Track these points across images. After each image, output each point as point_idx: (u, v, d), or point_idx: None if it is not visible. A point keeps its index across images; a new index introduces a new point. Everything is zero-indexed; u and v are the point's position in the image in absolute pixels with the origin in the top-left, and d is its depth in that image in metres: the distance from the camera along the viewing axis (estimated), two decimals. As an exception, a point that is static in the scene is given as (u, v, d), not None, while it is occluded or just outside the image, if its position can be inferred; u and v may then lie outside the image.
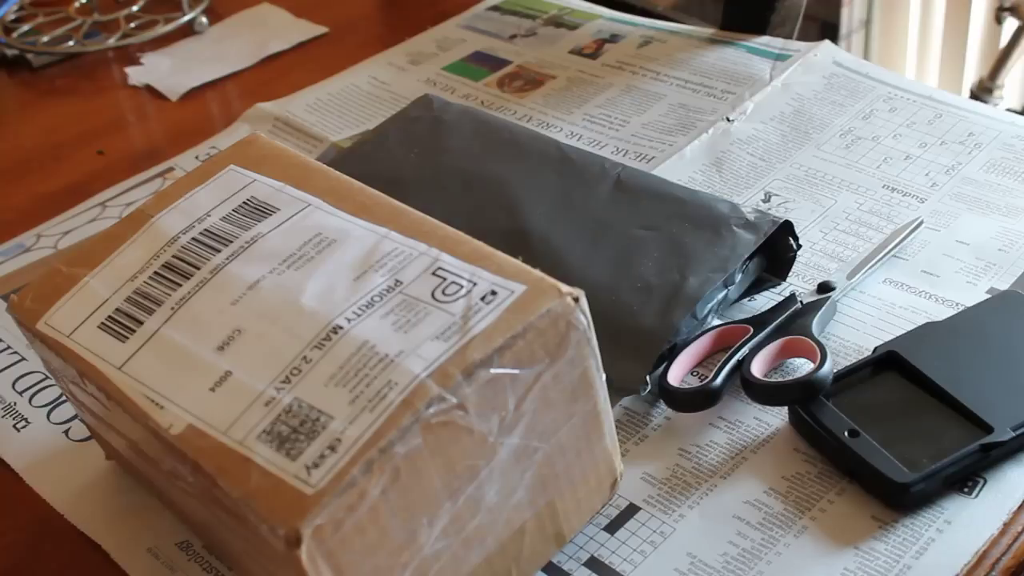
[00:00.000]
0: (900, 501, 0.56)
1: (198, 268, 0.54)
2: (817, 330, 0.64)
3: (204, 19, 1.10)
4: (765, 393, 0.61)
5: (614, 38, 1.00)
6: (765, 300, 0.69)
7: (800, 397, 0.59)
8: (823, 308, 0.65)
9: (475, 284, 0.49)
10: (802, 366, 0.64)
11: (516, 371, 0.48)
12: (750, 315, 0.67)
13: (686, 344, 0.64)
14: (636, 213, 0.70)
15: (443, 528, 0.48)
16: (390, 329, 0.48)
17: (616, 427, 0.56)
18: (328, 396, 0.46)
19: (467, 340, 0.47)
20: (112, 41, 1.07)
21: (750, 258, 0.68)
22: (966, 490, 0.57)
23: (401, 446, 0.45)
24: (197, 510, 0.53)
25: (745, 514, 0.57)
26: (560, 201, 0.72)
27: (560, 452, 0.51)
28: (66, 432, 0.67)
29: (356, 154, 0.81)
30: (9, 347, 0.74)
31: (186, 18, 1.08)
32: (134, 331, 0.52)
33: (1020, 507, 0.56)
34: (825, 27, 1.77)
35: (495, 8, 1.08)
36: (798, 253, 0.69)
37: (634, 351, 0.63)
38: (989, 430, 0.57)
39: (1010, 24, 1.68)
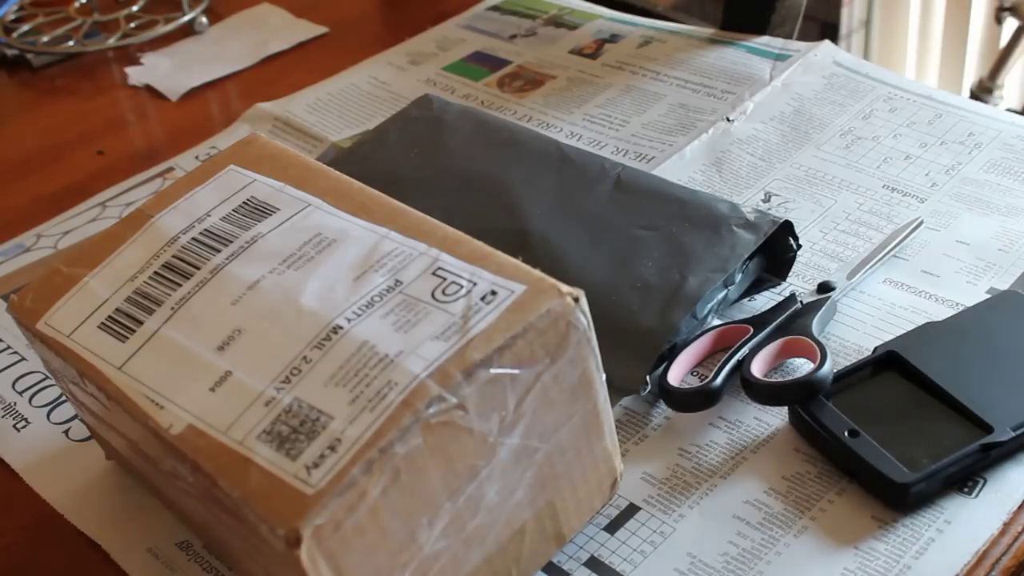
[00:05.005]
0: (900, 501, 0.56)
1: (198, 268, 0.54)
2: (817, 330, 0.64)
3: (204, 19, 1.10)
4: (765, 393, 0.61)
5: (614, 38, 1.00)
6: (765, 300, 0.69)
7: (800, 397, 0.59)
8: (823, 308, 0.65)
9: (475, 284, 0.49)
10: (802, 366, 0.64)
11: (516, 371, 0.48)
12: (750, 315, 0.67)
13: (686, 344, 0.64)
14: (636, 213, 0.70)
15: (443, 528, 0.48)
16: (390, 329, 0.48)
17: (616, 427, 0.56)
18: (328, 396, 0.46)
19: (467, 340, 0.47)
20: (112, 41, 1.07)
21: (750, 258, 0.68)
22: (966, 490, 0.57)
23: (401, 446, 0.45)
24: (197, 510, 0.53)
25: (745, 514, 0.57)
26: (560, 201, 0.72)
27: (560, 452, 0.51)
28: (66, 432, 0.67)
29: (356, 154, 0.81)
30: (9, 347, 0.74)
31: (186, 18, 1.09)
32: (134, 331, 0.52)
33: (1020, 507, 0.56)
34: (825, 27, 1.78)
35: (495, 8, 1.08)
36: (798, 253, 0.69)
37: (634, 351, 0.63)
38: (989, 430, 0.57)
39: (1010, 24, 1.68)
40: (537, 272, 0.49)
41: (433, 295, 0.49)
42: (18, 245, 0.83)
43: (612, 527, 0.57)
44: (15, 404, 0.69)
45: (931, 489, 0.56)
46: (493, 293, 0.48)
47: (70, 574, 0.60)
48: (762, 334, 0.64)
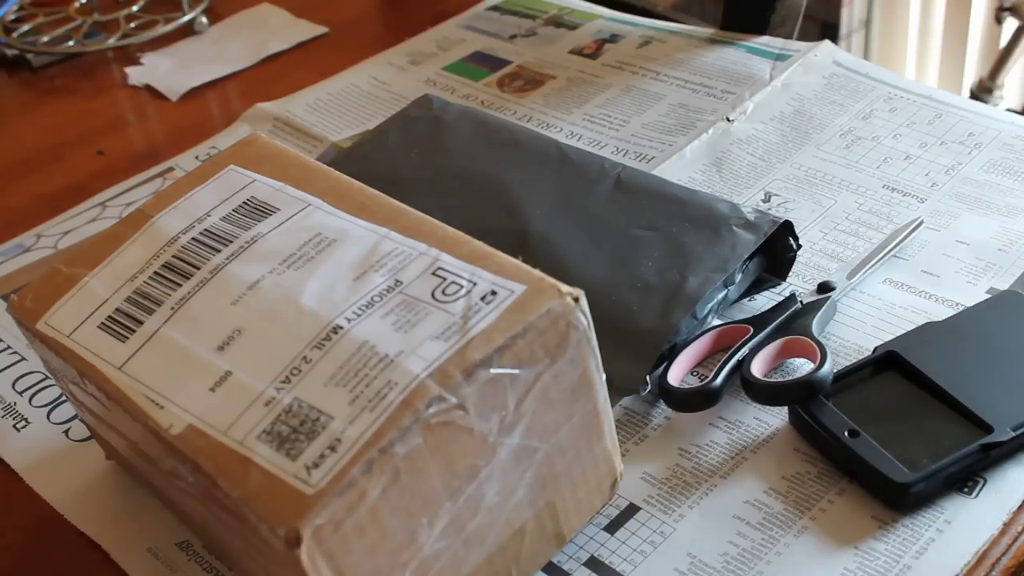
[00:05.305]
0: (900, 501, 0.56)
1: (198, 268, 0.54)
2: (817, 330, 0.64)
3: (204, 19, 1.10)
4: (765, 393, 0.61)
5: (614, 38, 1.00)
6: (765, 300, 0.69)
7: (800, 397, 0.59)
8: (823, 308, 0.65)
9: (475, 284, 0.49)
10: (802, 366, 0.64)
11: (516, 371, 0.48)
12: (750, 315, 0.67)
13: (686, 344, 0.64)
14: (636, 213, 0.70)
15: (443, 528, 0.48)
16: (390, 329, 0.48)
17: (616, 427, 0.56)
18: (328, 396, 0.46)
19: (467, 340, 0.47)
20: (112, 41, 1.07)
21: (750, 258, 0.68)
22: (966, 490, 0.57)
23: (401, 446, 0.45)
24: (197, 510, 0.53)
25: (745, 514, 0.57)
26: (560, 201, 0.72)
27: (560, 452, 0.51)
28: (66, 432, 0.67)
29: (356, 154, 0.81)
30: (9, 347, 0.74)
31: (186, 18, 1.09)
32: (134, 331, 0.52)
33: (1020, 507, 0.56)
34: (825, 27, 1.78)
35: (495, 8, 1.08)
36: (798, 253, 0.69)
37: (634, 351, 0.63)
38: (989, 430, 0.57)
39: (1010, 24, 1.68)
40: (537, 272, 0.49)
41: (433, 295, 0.49)
42: (18, 245, 0.83)
43: (612, 527, 0.57)
44: (15, 404, 0.69)
45: (931, 489, 0.56)
46: (493, 293, 0.48)
47: (70, 574, 0.60)
48: (762, 334, 0.64)
